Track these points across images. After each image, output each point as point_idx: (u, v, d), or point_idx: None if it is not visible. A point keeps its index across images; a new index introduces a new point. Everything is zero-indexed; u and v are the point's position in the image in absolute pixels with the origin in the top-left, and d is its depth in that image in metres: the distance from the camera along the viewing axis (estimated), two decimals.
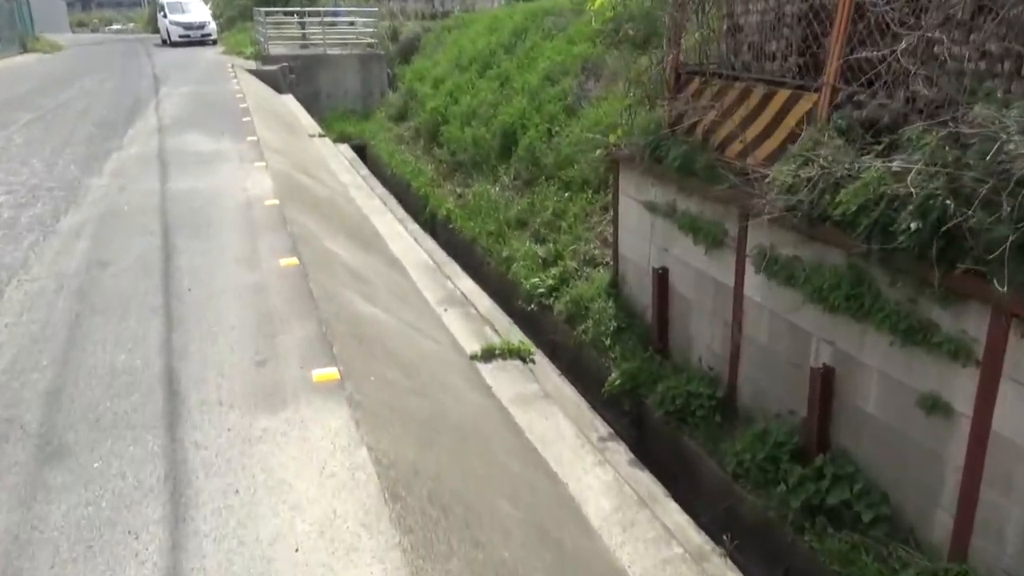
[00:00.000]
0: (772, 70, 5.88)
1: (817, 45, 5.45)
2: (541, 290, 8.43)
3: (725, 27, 6.55)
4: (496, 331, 6.24)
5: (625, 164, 7.16)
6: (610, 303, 7.44)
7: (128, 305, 4.59)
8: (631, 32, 12.09)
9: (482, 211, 11.02)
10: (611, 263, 7.83)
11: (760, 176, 5.34)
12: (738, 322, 5.70)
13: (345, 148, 16.64)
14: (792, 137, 5.27)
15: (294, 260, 5.12)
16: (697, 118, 6.26)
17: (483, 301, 8.27)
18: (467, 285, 8.70)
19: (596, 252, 8.48)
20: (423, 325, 5.26)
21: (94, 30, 69.20)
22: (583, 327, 7.46)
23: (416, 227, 10.56)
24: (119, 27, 72.37)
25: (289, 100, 18.22)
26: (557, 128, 11.27)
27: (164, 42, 29.72)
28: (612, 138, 7.13)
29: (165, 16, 29.51)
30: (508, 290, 9.23)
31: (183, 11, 29.81)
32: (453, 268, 9.23)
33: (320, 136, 14.08)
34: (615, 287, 7.67)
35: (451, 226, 11.53)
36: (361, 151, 18.31)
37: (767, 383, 5.49)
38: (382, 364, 4.03)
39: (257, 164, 8.12)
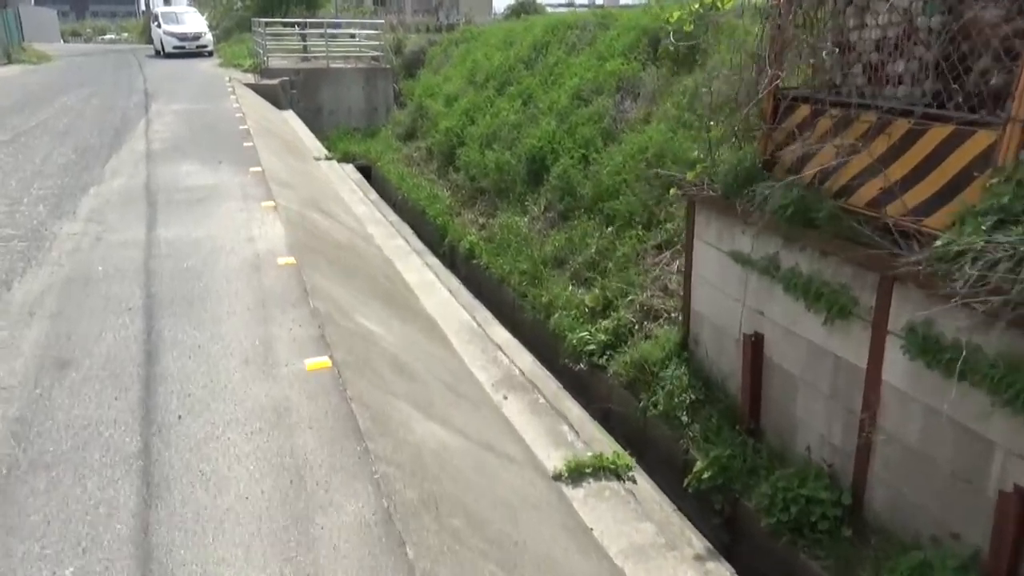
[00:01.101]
0: (895, 96, 4.78)
1: (965, 68, 4.34)
2: (592, 347, 7.26)
3: (830, 44, 5.44)
4: (572, 426, 5.04)
5: (704, 206, 6.02)
6: (682, 369, 6.28)
7: (87, 449, 3.12)
8: (671, 48, 11.02)
9: (511, 246, 9.87)
10: (680, 319, 6.68)
11: (915, 233, 4.22)
12: (871, 413, 4.55)
13: (351, 169, 15.49)
14: (954, 185, 4.15)
15: (324, 361, 3.78)
16: (805, 153, 5.14)
17: (523, 357, 7.10)
18: (501, 336, 7.54)
19: (656, 302, 7.33)
20: (490, 435, 4.05)
21: (87, 40, 68.12)
22: (651, 398, 6.29)
23: (436, 261, 9.39)
24: (112, 37, 71.27)
25: (290, 117, 17.07)
26: (594, 154, 10.14)
27: (158, 53, 28.57)
28: (691, 175, 5.98)
29: (159, 26, 28.37)
30: (547, 341, 8.07)
31: (177, 21, 28.70)
32: (484, 314, 8.07)
33: (327, 159, 12.92)
34: (685, 348, 6.51)
35: (475, 261, 10.37)
36: (367, 172, 17.19)
37: (917, 495, 4.33)
38: (460, 522, 2.82)
39: (264, 204, 6.87)
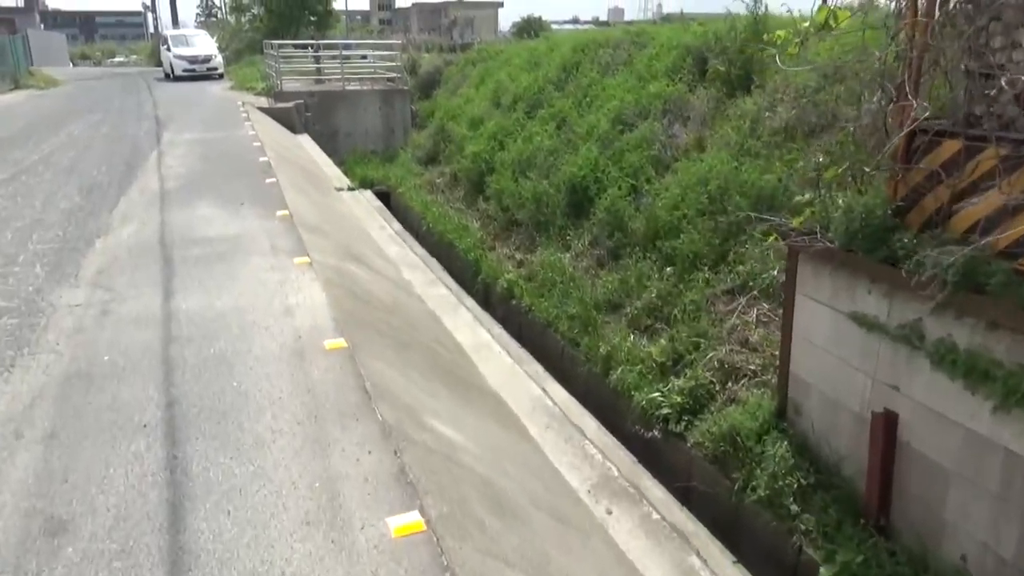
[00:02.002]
0: None
1: None
2: (665, 410, 6.35)
3: (963, 68, 4.57)
4: (703, 558, 4.11)
5: (813, 258, 5.13)
6: (784, 445, 5.37)
7: None
8: (720, 68, 10.19)
9: (556, 287, 8.99)
10: (774, 383, 5.78)
11: None
12: None
13: (370, 196, 14.68)
14: None
15: (415, 522, 2.68)
16: (949, 196, 4.26)
17: (587, 423, 6.21)
18: (559, 394, 6.65)
19: (737, 359, 6.42)
20: None
21: (96, 63, 68.10)
22: (748, 479, 5.38)
23: (482, 313, 8.49)
24: (122, 59, 71.28)
25: (306, 142, 16.31)
26: (645, 185, 9.28)
27: (167, 76, 27.97)
28: (796, 221, 5.09)
29: (168, 49, 27.81)
30: (608, 399, 7.18)
31: (187, 44, 28.13)
32: (535, 368, 7.19)
33: (349, 189, 12.10)
34: (783, 418, 5.60)
35: (514, 302, 9.49)
36: (386, 198, 16.38)
37: None
38: None
39: (297, 260, 5.84)
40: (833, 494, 5.01)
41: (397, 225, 12.64)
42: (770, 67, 9.75)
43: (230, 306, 4.90)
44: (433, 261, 9.58)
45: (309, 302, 4.81)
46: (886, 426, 4.58)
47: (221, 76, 27.46)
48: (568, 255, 9.69)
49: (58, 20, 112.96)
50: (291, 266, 5.70)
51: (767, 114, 8.72)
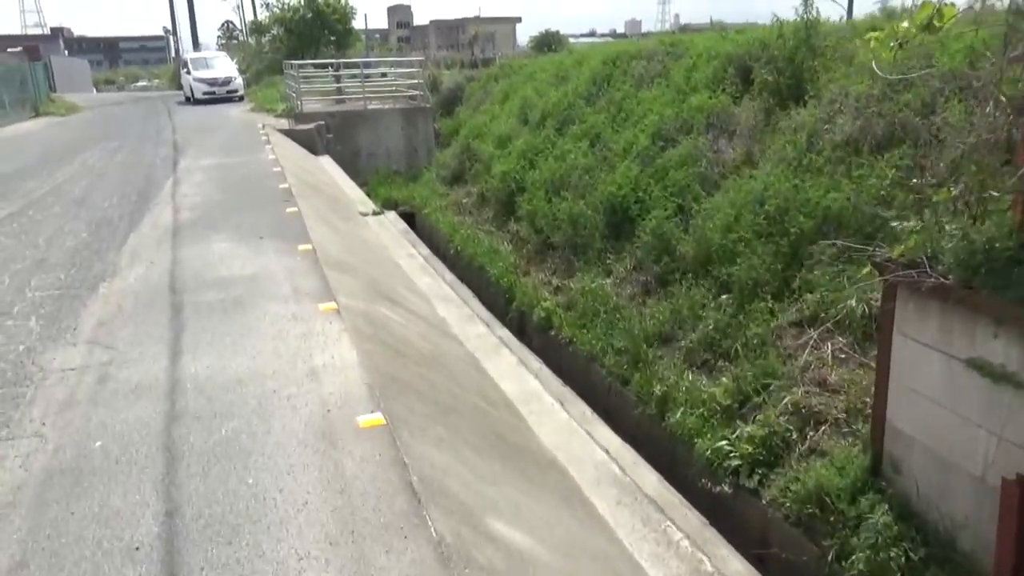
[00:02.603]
0: None
1: None
2: (735, 461, 5.65)
3: None
4: None
5: (918, 293, 4.42)
6: (883, 509, 4.65)
7: None
8: (768, 78, 9.51)
9: (599, 316, 8.32)
10: (867, 434, 5.06)
11: None
12: None
13: (394, 217, 14.15)
14: None
15: None
16: None
17: (646, 476, 5.55)
18: (611, 440, 5.99)
19: (814, 402, 5.71)
20: None
21: (120, 88, 68.86)
22: (845, 552, 4.65)
23: (515, 341, 7.85)
24: (145, 83, 72.10)
25: (327, 164, 15.84)
26: (692, 205, 8.61)
27: (188, 99, 27.82)
28: (898, 251, 4.39)
29: (188, 72, 27.66)
30: (664, 445, 6.49)
31: (207, 66, 27.95)
32: (580, 408, 6.53)
33: (374, 213, 11.54)
34: (877, 475, 4.88)
35: (552, 333, 8.83)
36: (410, 220, 15.86)
37: None
38: None
39: (323, 306, 5.17)
40: (948, 569, 4.29)
41: (425, 249, 12.07)
42: (823, 75, 9.10)
43: (246, 369, 4.21)
44: (464, 289, 8.97)
45: (338, 361, 4.16)
46: (1022, 495, 3.86)
47: (241, 98, 27.24)
48: (609, 281, 9.03)
49: (83, 46, 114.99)
50: (316, 314, 5.09)
51: (826, 126, 8.03)
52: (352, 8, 33.70)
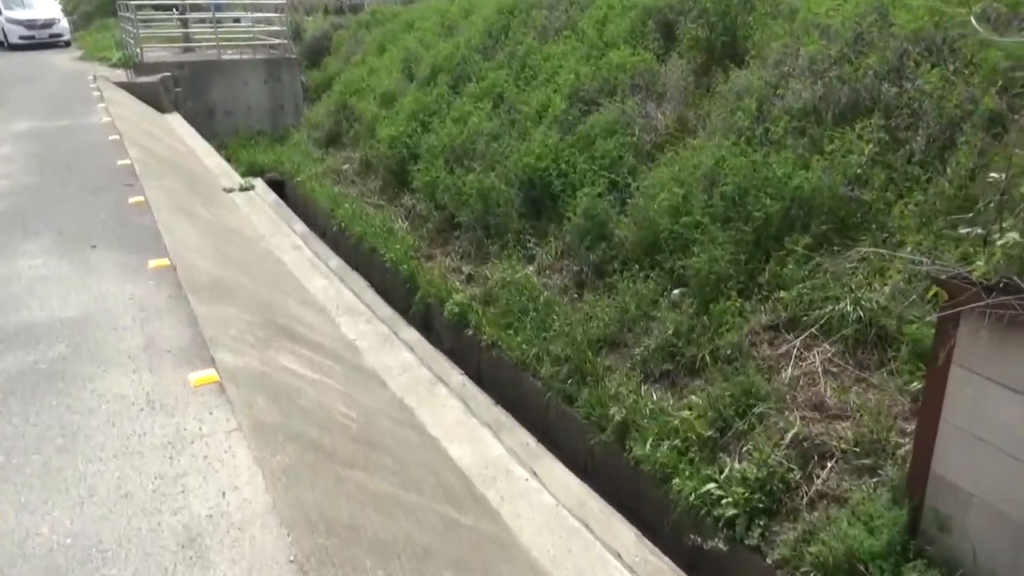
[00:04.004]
0: None
1: None
2: (730, 510, 4.63)
3: None
4: None
5: (988, 320, 3.46)
6: None
7: None
8: (699, 35, 8.46)
9: (527, 315, 7.09)
10: (906, 482, 4.15)
11: None
12: None
13: (262, 188, 12.22)
14: None
15: None
16: None
17: (621, 533, 4.45)
18: (572, 488, 4.85)
19: (815, 431, 4.77)
20: None
21: None
22: None
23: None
24: None
25: (178, 124, 13.52)
26: (629, 181, 7.48)
27: (1, 44, 23.71)
28: (979, 270, 3.37)
29: (0, 13, 23.49)
30: (628, 482, 5.42)
31: (24, 5, 23.87)
32: (520, 435, 5.34)
33: (242, 189, 9.62)
34: (915, 533, 3.99)
35: (469, 332, 7.54)
36: (279, 188, 13.92)
37: None
38: None
39: (195, 376, 3.40)
40: None
41: (301, 226, 10.36)
42: (759, 32, 8.14)
43: (65, 545, 2.38)
44: (356, 278, 7.47)
45: (236, 513, 2.50)
46: None
47: (68, 44, 23.52)
48: (532, 269, 7.81)
49: None
50: (186, 395, 3.31)
51: (777, 92, 7.07)
52: None
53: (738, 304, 5.80)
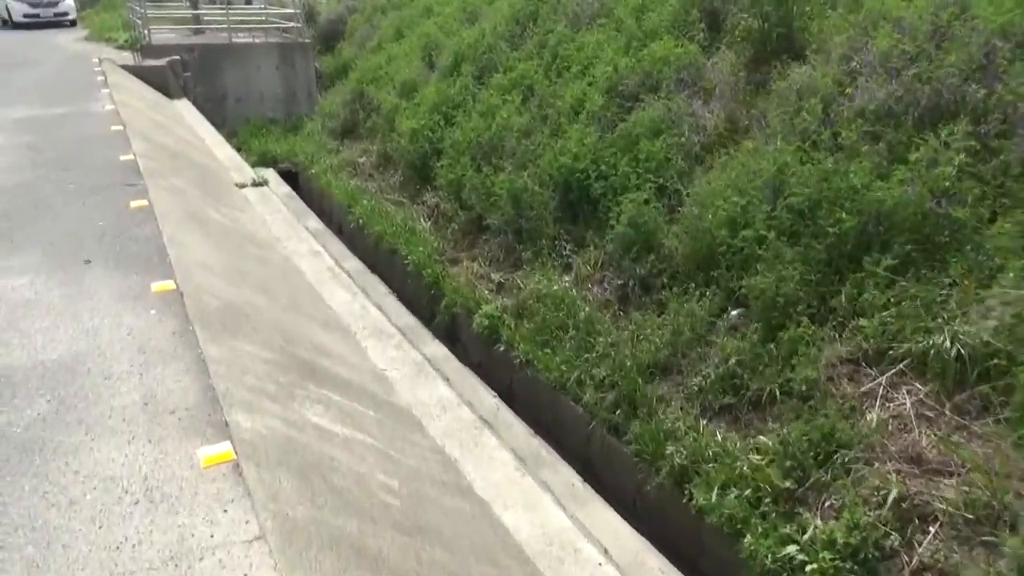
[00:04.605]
0: None
1: None
2: None
3: None
4: None
5: None
6: None
7: None
8: (752, 25, 7.78)
9: (566, 332, 6.48)
10: None
11: None
12: None
13: (275, 179, 11.60)
14: None
15: None
16: None
17: None
18: (626, 539, 4.25)
19: (913, 487, 4.16)
20: None
21: None
22: None
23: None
24: None
25: (186, 111, 12.90)
26: (679, 186, 6.85)
27: (4, 23, 23.06)
28: None
29: None
30: (687, 531, 4.82)
31: None
32: (565, 475, 4.74)
33: (255, 184, 9.00)
34: None
35: (500, 348, 6.94)
36: (292, 179, 13.33)
37: None
38: None
39: (205, 453, 2.76)
40: None
41: (316, 223, 9.74)
42: (818, 24, 7.49)
43: None
44: (375, 283, 6.87)
45: None
46: None
47: (73, 23, 22.87)
48: (570, 279, 7.19)
49: None
50: (194, 483, 2.64)
51: (845, 91, 6.42)
52: None
53: (811, 330, 5.17)
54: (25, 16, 21.98)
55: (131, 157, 6.51)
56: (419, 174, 10.32)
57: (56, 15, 22.49)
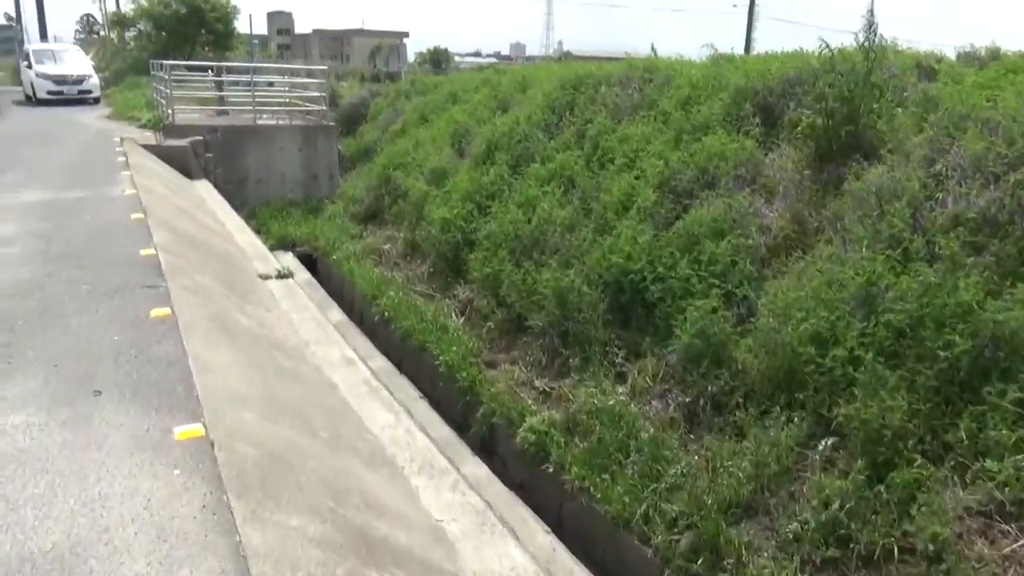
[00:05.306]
0: None
1: None
2: None
3: None
4: None
5: None
6: None
7: None
8: (816, 121, 7.33)
9: (628, 456, 5.75)
10: None
11: None
12: None
13: (294, 264, 11.06)
14: None
15: None
16: None
17: None
18: None
19: None
20: None
21: None
22: None
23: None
24: None
25: (207, 193, 12.51)
26: (749, 294, 6.24)
27: (29, 99, 23.17)
28: None
29: (30, 67, 23.01)
30: None
31: (55, 60, 23.43)
32: None
33: (279, 276, 8.44)
34: None
35: (548, 468, 6.19)
36: (310, 263, 12.82)
37: None
38: None
39: None
40: None
41: (338, 314, 9.12)
42: (890, 122, 7.06)
43: None
44: (405, 385, 6.21)
45: None
46: None
47: (97, 101, 22.96)
48: (624, 390, 6.51)
49: None
50: None
51: (935, 196, 5.89)
52: (235, 8, 29.82)
53: (926, 473, 4.45)
54: (49, 93, 22.06)
55: (152, 251, 5.91)
56: (450, 266, 9.77)
57: (80, 92, 22.59)
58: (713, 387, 5.84)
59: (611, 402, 6.23)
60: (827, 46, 7.65)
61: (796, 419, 5.25)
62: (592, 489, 5.73)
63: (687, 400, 6.01)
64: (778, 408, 5.37)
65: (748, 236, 6.68)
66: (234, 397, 3.65)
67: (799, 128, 7.43)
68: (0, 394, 3.57)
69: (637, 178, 8.32)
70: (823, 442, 5.06)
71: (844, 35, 7.90)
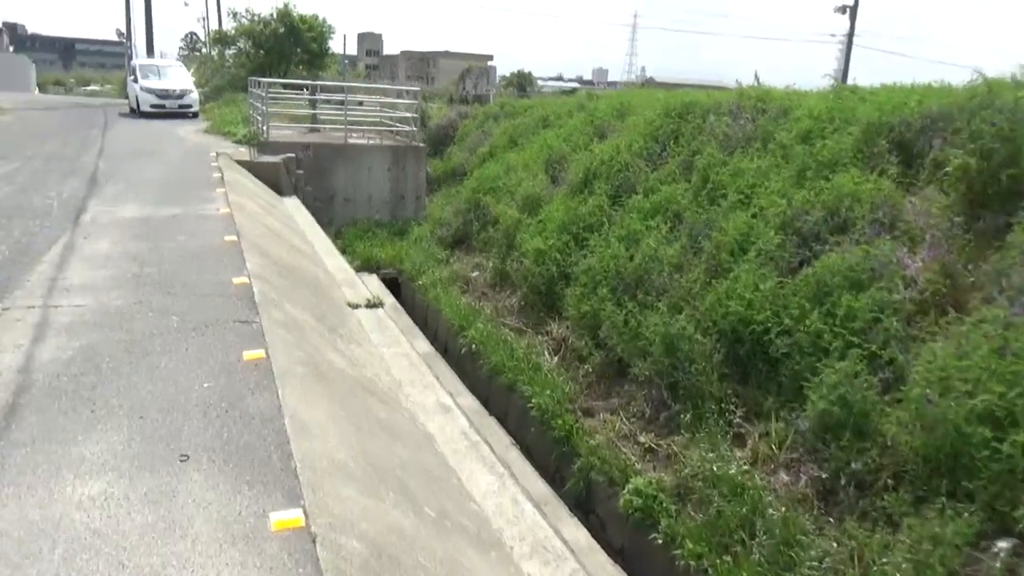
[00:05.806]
0: None
1: None
2: None
3: None
4: None
5: None
6: None
7: None
8: (969, 162, 6.51)
9: (752, 536, 5.05)
10: None
11: None
12: None
13: (377, 288, 10.74)
14: None
15: None
16: None
17: None
18: None
19: None
20: None
21: (68, 90, 64.40)
22: None
23: None
24: (95, 88, 67.55)
25: (296, 211, 12.38)
26: (897, 356, 5.47)
27: (132, 111, 23.97)
28: None
29: (135, 80, 23.83)
30: None
31: (159, 75, 24.18)
32: None
33: (369, 305, 8.07)
34: None
35: (656, 539, 5.53)
36: (394, 286, 12.52)
37: None
38: None
39: None
40: None
41: (424, 345, 8.69)
42: None
43: None
44: (497, 432, 5.66)
45: None
46: None
47: (196, 115, 23.54)
48: (743, 454, 5.81)
49: (36, 44, 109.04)
50: None
51: None
52: (331, 27, 30.37)
53: None
54: (152, 106, 22.74)
55: (245, 280, 5.58)
56: (543, 300, 9.24)
57: (181, 106, 23.20)
58: (856, 463, 5.09)
59: (731, 470, 5.54)
60: (983, 77, 6.83)
61: (967, 511, 4.47)
62: (711, 571, 5.06)
63: (822, 475, 5.27)
64: (939, 497, 4.60)
65: (893, 290, 5.91)
66: (334, 467, 3.18)
67: (949, 169, 6.63)
68: (80, 451, 3.16)
69: (754, 216, 7.63)
70: (998, 545, 4.27)
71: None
